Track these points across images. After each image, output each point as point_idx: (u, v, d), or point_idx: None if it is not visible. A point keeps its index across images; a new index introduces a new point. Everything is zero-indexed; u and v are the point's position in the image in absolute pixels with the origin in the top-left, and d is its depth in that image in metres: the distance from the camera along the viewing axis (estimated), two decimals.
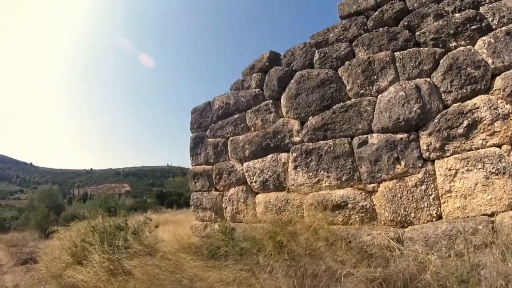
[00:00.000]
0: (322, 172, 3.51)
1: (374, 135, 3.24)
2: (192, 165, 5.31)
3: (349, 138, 3.41)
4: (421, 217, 2.91)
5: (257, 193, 4.24)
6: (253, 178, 4.21)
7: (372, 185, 3.19)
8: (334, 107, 3.57)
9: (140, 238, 4.24)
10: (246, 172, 4.32)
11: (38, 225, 8.68)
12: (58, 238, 4.89)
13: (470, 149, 2.78)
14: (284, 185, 3.87)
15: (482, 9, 2.88)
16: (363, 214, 3.19)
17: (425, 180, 2.93)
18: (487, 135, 2.72)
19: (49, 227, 8.96)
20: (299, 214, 3.66)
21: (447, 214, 2.82)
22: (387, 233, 2.90)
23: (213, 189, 4.89)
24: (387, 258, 2.52)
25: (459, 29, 2.94)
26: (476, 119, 2.76)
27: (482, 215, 2.64)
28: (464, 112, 2.82)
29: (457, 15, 2.97)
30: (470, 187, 2.71)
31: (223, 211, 4.65)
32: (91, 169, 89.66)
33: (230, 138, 4.66)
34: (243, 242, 3.39)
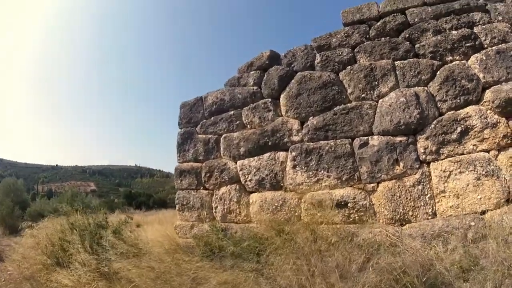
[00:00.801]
0: (322, 171, 3.57)
1: (375, 137, 3.41)
2: (179, 162, 5.05)
3: (350, 139, 3.54)
4: (418, 215, 3.09)
5: (251, 192, 4.15)
6: (247, 177, 4.13)
7: (372, 185, 3.33)
8: (335, 108, 3.70)
9: (123, 238, 3.91)
10: (241, 170, 4.23)
11: (2, 220, 8.19)
12: (31, 235, 4.35)
13: (462, 153, 3.06)
14: (282, 184, 3.85)
15: (476, 29, 3.26)
16: (362, 213, 3.29)
17: (422, 181, 3.14)
18: (478, 141, 3.02)
19: (14, 223, 8.11)
20: (296, 214, 3.65)
21: (442, 212, 3.03)
22: (388, 231, 3.03)
23: (202, 188, 4.69)
24: (393, 253, 2.61)
25: (455, 45, 3.28)
26: (468, 126, 3.06)
27: (473, 213, 2.88)
28: (458, 119, 3.11)
29: (454, 32, 3.32)
30: (462, 188, 2.97)
31: (213, 210, 4.46)
32: (57, 165, 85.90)
33: (224, 135, 4.56)
34: (243, 242, 3.27)
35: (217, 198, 4.41)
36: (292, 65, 4.22)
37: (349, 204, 3.34)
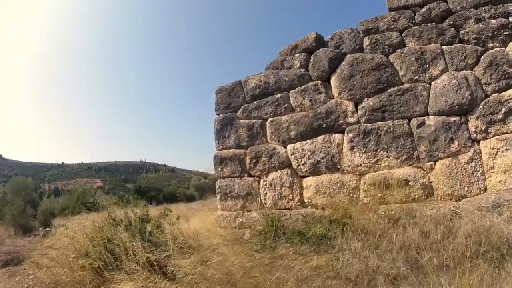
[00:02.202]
0: (381, 152, 4.04)
1: (431, 117, 3.94)
2: (218, 149, 5.18)
3: (407, 120, 4.05)
4: (472, 190, 3.71)
5: (304, 177, 4.49)
6: (301, 161, 4.46)
7: (430, 163, 3.88)
8: (389, 90, 4.16)
9: (172, 232, 3.96)
10: (292, 154, 4.54)
11: (14, 220, 8.25)
12: (63, 235, 4.19)
13: (507, 132, 3.71)
14: (338, 167, 4.25)
15: (511, 18, 3.91)
16: (422, 191, 3.83)
17: (474, 158, 3.75)
18: None
19: (26, 223, 7.71)
20: (355, 196, 4.10)
21: (492, 186, 3.68)
22: (448, 206, 3.61)
23: (246, 175, 4.91)
24: (455, 225, 3.17)
25: (495, 32, 3.90)
26: (511, 107, 3.73)
27: None
28: (502, 101, 3.75)
29: (492, 21, 3.93)
30: (508, 164, 3.63)
31: (261, 198, 4.72)
32: (62, 163, 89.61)
33: (270, 119, 4.79)
34: (313, 225, 3.60)
35: (266, 184, 4.67)
36: (341, 47, 4.57)
37: (410, 183, 3.86)
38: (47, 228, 8.22)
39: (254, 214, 4.58)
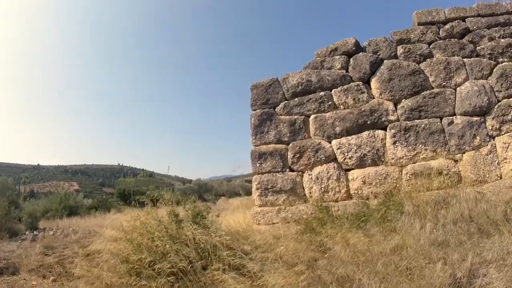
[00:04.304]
0: (420, 146, 5.18)
1: (458, 117, 5.22)
2: (256, 145, 5.82)
3: (439, 119, 5.28)
4: (491, 177, 5.03)
5: (349, 170, 5.40)
6: (347, 155, 5.37)
7: (459, 155, 5.12)
8: (423, 93, 5.37)
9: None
10: (338, 148, 5.43)
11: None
12: (110, 239, 4.24)
13: None
14: (383, 159, 5.27)
15: None
16: (453, 179, 5.02)
17: (492, 151, 5.10)
18: None
19: (12, 226, 6.81)
20: (397, 185, 5.15)
21: (505, 174, 5.05)
22: (476, 190, 4.85)
23: (288, 169, 5.64)
24: (487, 201, 4.38)
25: (504, 50, 5.41)
26: None
27: None
28: (511, 105, 5.22)
29: (502, 40, 5.45)
30: None
31: (305, 191, 5.48)
32: (38, 164, 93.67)
33: (314, 115, 5.63)
34: (372, 212, 4.50)
35: (311, 178, 5.46)
36: (378, 53, 5.70)
37: (444, 172, 5.04)
38: (35, 232, 7.76)
39: (301, 207, 5.30)
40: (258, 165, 5.69)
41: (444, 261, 2.95)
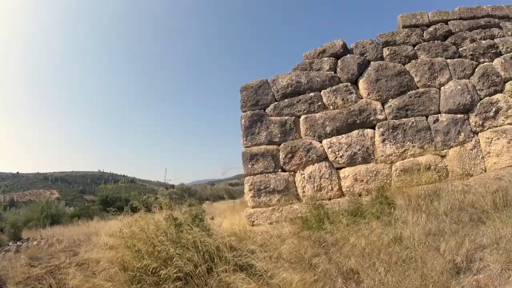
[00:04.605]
0: (408, 143, 5.41)
1: (443, 114, 5.49)
2: (247, 146, 5.95)
3: (425, 117, 5.54)
4: (476, 170, 5.29)
5: (340, 168, 5.58)
6: (338, 153, 5.56)
7: (445, 150, 5.37)
8: (409, 92, 5.63)
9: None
10: (329, 148, 5.61)
11: None
12: (105, 247, 4.19)
13: (497, 126, 5.45)
14: (372, 157, 5.47)
15: (496, 40, 5.81)
16: (440, 173, 5.26)
17: (476, 146, 5.37)
18: (504, 117, 5.47)
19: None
20: (387, 181, 5.35)
21: (489, 167, 5.32)
22: (463, 183, 5.09)
23: (280, 170, 5.79)
24: (474, 193, 4.61)
25: (485, 51, 5.74)
26: (499, 107, 5.48)
27: (508, 166, 5.28)
28: (492, 102, 5.51)
29: (483, 41, 5.79)
30: (500, 149, 5.33)
31: (297, 191, 5.63)
32: (18, 172, 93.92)
33: (304, 116, 5.82)
34: (365, 207, 4.69)
35: (304, 177, 5.61)
36: (365, 55, 5.96)
37: (431, 167, 5.27)
38: (18, 243, 7.60)
39: (295, 206, 5.43)
40: (250, 166, 5.82)
41: (443, 248, 3.13)
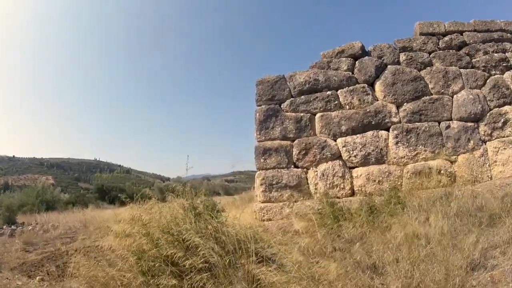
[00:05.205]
0: (420, 146, 5.72)
1: (455, 121, 5.84)
2: (260, 140, 6.13)
3: (437, 123, 5.88)
4: (483, 177, 5.66)
5: (353, 167, 5.84)
6: (352, 153, 5.82)
7: (454, 156, 5.71)
8: (423, 98, 5.97)
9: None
10: (344, 147, 5.86)
11: None
12: (122, 235, 4.17)
13: (504, 136, 5.85)
14: (385, 158, 5.76)
15: (507, 54, 6.23)
16: (448, 178, 5.60)
17: (484, 154, 5.75)
18: None
19: None
20: (398, 183, 5.65)
21: (495, 175, 5.71)
22: (470, 188, 5.45)
23: (292, 166, 6.00)
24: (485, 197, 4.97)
25: (497, 64, 6.15)
26: (507, 119, 5.89)
27: None
28: (501, 114, 5.91)
29: (495, 55, 6.20)
30: (506, 159, 5.73)
31: (309, 188, 5.85)
32: (14, 156, 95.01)
33: (320, 114, 6.06)
34: (381, 206, 4.96)
35: (317, 174, 5.83)
36: (382, 58, 6.26)
37: (441, 171, 5.61)
38: (13, 227, 7.48)
39: (307, 203, 5.63)
40: (262, 160, 5.99)
41: (459, 246, 3.41)
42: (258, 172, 6.04)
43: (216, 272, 3.20)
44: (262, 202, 5.95)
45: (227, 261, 3.27)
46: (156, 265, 3.35)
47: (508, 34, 6.47)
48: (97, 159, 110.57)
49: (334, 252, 3.90)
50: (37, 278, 4.57)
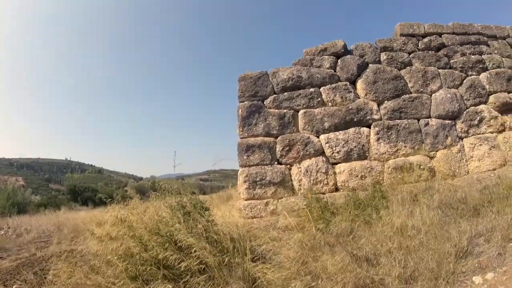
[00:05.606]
0: (400, 143, 5.95)
1: (433, 119, 6.12)
2: (243, 137, 6.21)
3: (417, 120, 6.14)
4: (461, 172, 5.93)
5: (335, 163, 5.99)
6: (335, 149, 5.98)
7: (433, 152, 5.97)
8: (403, 96, 6.23)
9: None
10: (327, 143, 6.02)
11: None
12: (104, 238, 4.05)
13: (480, 133, 6.16)
14: (367, 154, 5.95)
15: (483, 56, 6.60)
16: (428, 173, 5.83)
17: (461, 150, 6.03)
18: (487, 126, 6.21)
19: None
20: (380, 178, 5.84)
21: (471, 170, 5.99)
22: (449, 182, 5.69)
23: (276, 162, 6.10)
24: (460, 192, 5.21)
25: (473, 65, 6.51)
26: (482, 117, 6.22)
27: (488, 170, 5.98)
28: (476, 112, 6.24)
29: (472, 57, 6.56)
30: (482, 154, 6.02)
31: (293, 184, 5.95)
32: None
33: (303, 111, 6.22)
34: (364, 201, 5.12)
35: (300, 171, 5.95)
36: (364, 57, 6.52)
37: (421, 167, 5.84)
38: None
39: (292, 199, 5.73)
40: (245, 157, 6.07)
41: (447, 236, 3.58)
42: (241, 169, 6.11)
43: (212, 273, 3.15)
44: (246, 200, 6.00)
45: (224, 260, 3.22)
46: (147, 269, 3.23)
47: (485, 38, 6.87)
48: (68, 159, 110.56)
49: (326, 247, 3.99)
50: (14, 287, 4.30)
